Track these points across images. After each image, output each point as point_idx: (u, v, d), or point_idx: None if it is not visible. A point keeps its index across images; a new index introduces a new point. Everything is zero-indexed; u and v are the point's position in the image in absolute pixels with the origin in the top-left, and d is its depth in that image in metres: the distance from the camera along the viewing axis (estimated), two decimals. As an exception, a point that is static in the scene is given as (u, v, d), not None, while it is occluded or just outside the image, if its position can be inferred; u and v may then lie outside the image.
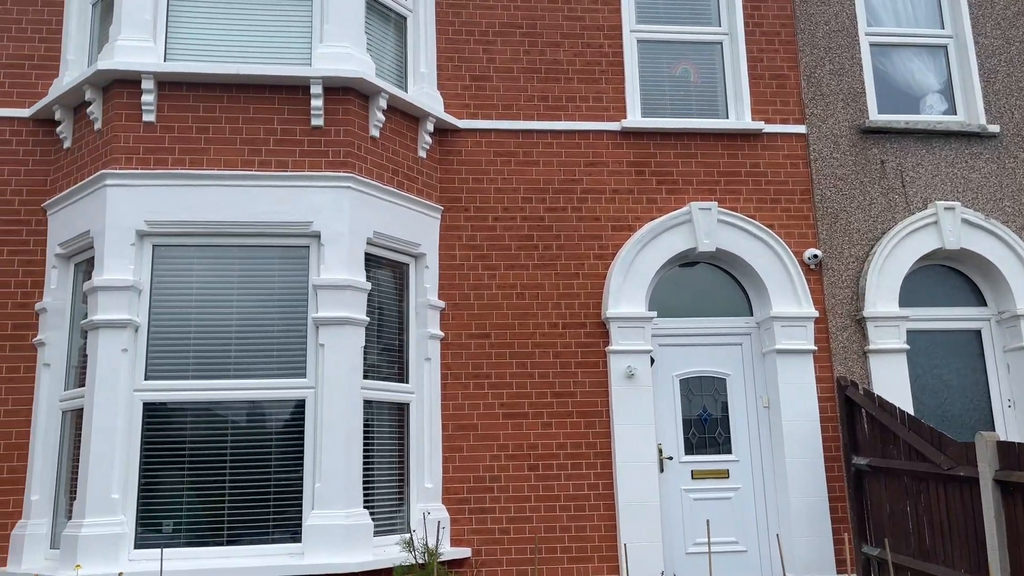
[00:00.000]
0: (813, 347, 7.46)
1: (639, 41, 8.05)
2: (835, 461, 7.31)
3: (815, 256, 7.67)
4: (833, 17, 8.25)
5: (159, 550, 5.76)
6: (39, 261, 6.82)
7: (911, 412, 7.40)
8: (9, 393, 6.61)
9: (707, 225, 7.55)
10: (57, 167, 6.90)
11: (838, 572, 7.03)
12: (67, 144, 6.84)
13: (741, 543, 7.29)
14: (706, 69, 8.15)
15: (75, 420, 6.46)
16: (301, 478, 6.22)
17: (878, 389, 7.39)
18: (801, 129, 7.96)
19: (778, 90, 8.03)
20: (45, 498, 6.44)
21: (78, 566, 5.64)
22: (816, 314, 7.53)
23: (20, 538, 6.32)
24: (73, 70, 7.00)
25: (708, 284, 7.79)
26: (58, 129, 6.88)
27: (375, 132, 6.87)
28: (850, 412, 7.16)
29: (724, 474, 7.43)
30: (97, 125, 6.58)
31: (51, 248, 6.79)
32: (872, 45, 8.34)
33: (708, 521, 5.02)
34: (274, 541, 6.13)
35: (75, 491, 6.17)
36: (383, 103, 6.84)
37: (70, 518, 6.11)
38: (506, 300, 7.33)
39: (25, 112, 6.99)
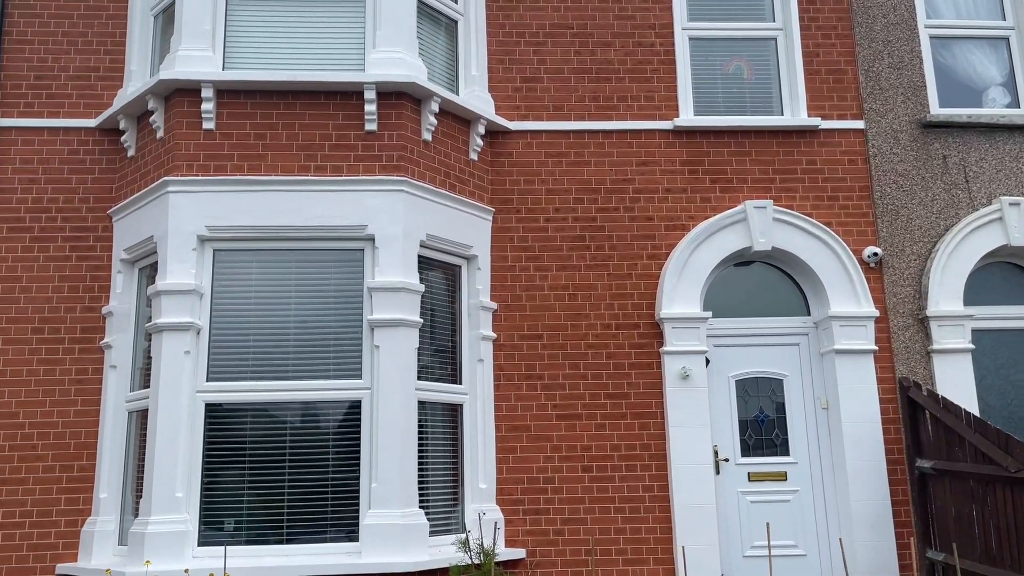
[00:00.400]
0: (874, 347, 7.30)
1: (691, 39, 7.98)
2: (898, 464, 7.14)
3: (875, 254, 7.50)
4: (891, 10, 8.07)
5: (222, 547, 5.90)
6: (105, 266, 7.04)
7: (976, 413, 7.18)
8: (78, 394, 6.83)
9: (762, 224, 7.44)
10: (122, 175, 7.12)
11: (901, 577, 6.87)
12: (131, 152, 7.05)
13: (800, 547, 7.17)
14: (760, 65, 8.03)
15: (140, 420, 6.65)
16: (357, 478, 6.31)
17: (942, 390, 7.20)
18: (859, 125, 7.80)
19: (835, 85, 7.88)
20: (113, 496, 6.64)
21: (148, 562, 5.81)
22: (876, 313, 7.37)
23: (90, 534, 6.53)
24: (136, 80, 7.21)
25: (764, 283, 7.68)
26: (122, 138, 7.09)
27: (427, 136, 6.93)
28: (913, 413, 6.98)
29: (782, 476, 7.31)
30: (159, 133, 6.77)
31: (116, 253, 7.00)
32: (932, 38, 8.14)
33: (768, 524, 4.95)
34: (332, 540, 6.22)
35: (141, 489, 6.35)
36: (435, 107, 6.90)
37: (136, 515, 6.30)
38: (558, 301, 7.33)
39: (92, 122, 7.22)
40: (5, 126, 7.18)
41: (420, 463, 6.50)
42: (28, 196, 7.10)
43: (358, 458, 6.33)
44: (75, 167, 7.19)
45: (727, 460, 7.29)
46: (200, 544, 6.11)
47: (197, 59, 6.68)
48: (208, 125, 6.63)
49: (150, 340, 6.57)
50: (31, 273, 6.98)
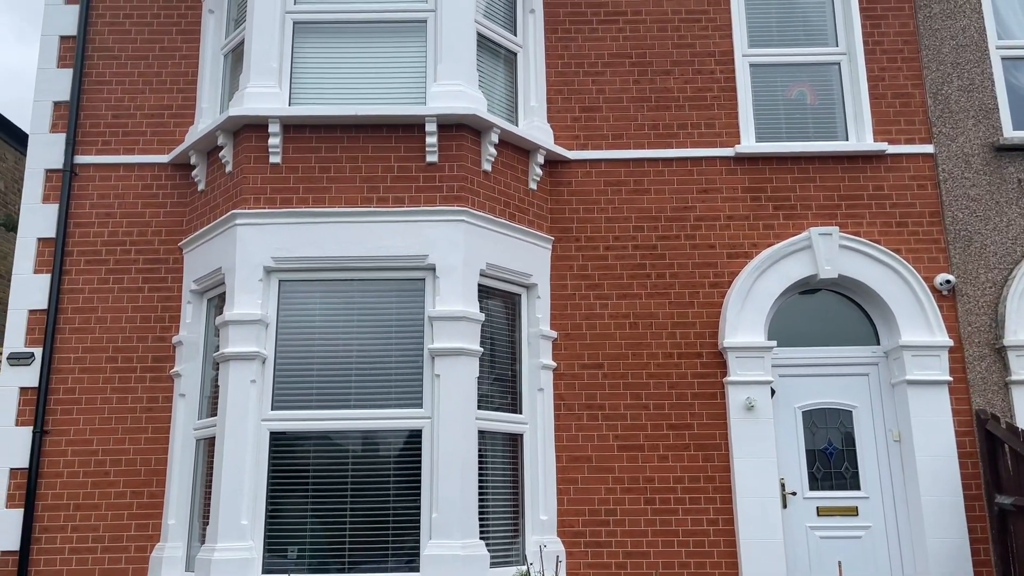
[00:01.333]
0: (948, 378, 7.04)
1: (752, 65, 7.91)
2: (976, 500, 6.84)
3: (948, 281, 7.26)
4: (960, 32, 7.88)
5: (286, 575, 5.95)
6: (176, 297, 7.25)
7: (1061, 448, 6.85)
8: (149, 422, 7.01)
9: (828, 251, 7.28)
10: (192, 208, 7.35)
11: (982, 620, 6.56)
12: (201, 187, 7.28)
13: (873, 585, 6.91)
14: (823, 90, 7.91)
15: (208, 448, 6.79)
16: (418, 507, 6.31)
17: (1022, 423, 6.89)
18: (928, 149, 7.60)
19: (902, 109, 7.71)
20: (181, 522, 6.77)
21: (211, 589, 5.89)
22: (950, 343, 7.12)
23: (159, 560, 6.66)
24: (207, 117, 7.46)
25: (830, 312, 7.49)
26: (193, 172, 7.33)
27: (487, 166, 6.99)
28: (991, 447, 6.70)
29: (853, 511, 7.07)
30: (228, 168, 6.97)
31: (186, 284, 7.20)
32: (1004, 59, 7.91)
33: (840, 563, 4.77)
34: (392, 569, 6.23)
35: (207, 516, 6.46)
36: (495, 138, 6.97)
37: (203, 542, 6.41)
38: (619, 330, 7.27)
39: (164, 158, 7.48)
40: (84, 163, 7.49)
41: (480, 493, 6.47)
42: (104, 230, 7.38)
43: (419, 487, 6.34)
44: (148, 201, 7.45)
45: (794, 494, 7.09)
46: (264, 571, 6.17)
47: (264, 95, 6.88)
48: (275, 159, 6.80)
49: (218, 369, 6.71)
50: (106, 304, 7.23)
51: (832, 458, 7.20)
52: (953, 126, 7.66)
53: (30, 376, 7.08)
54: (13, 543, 6.77)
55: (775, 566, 6.67)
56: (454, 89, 6.89)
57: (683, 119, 7.69)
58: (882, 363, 7.34)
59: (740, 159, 7.59)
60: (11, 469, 6.93)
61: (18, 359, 7.11)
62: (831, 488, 7.13)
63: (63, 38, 7.78)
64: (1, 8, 35.61)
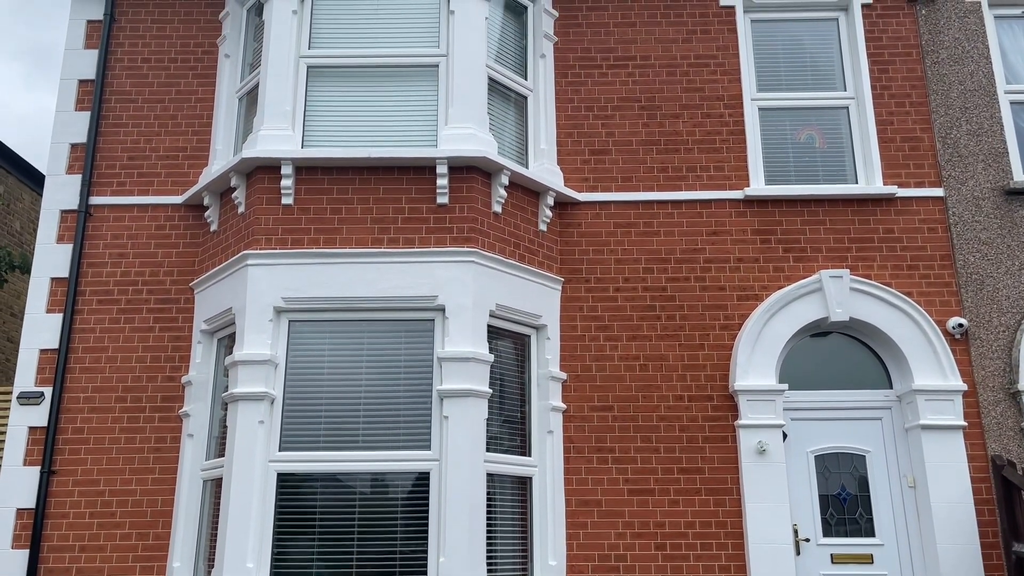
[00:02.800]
0: (963, 422, 6.96)
1: (760, 109, 7.97)
2: (993, 548, 6.71)
3: (960, 325, 7.21)
4: (968, 76, 7.93)
5: (290, 620, 5.87)
6: (186, 337, 7.27)
7: (1080, 495, 6.73)
8: (156, 462, 6.98)
9: (839, 294, 7.25)
10: (204, 248, 7.40)
11: (1003, 673, 6.38)
12: (214, 227, 7.34)
13: (889, 636, 6.75)
14: (832, 134, 7.96)
15: (215, 489, 6.75)
16: (425, 550, 6.24)
17: (1039, 469, 6.79)
18: (938, 192, 7.61)
19: (911, 153, 7.73)
20: (185, 565, 6.70)
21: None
22: (964, 387, 7.04)
23: (162, 603, 6.58)
24: (221, 159, 7.55)
25: (842, 355, 7.44)
26: (206, 214, 7.39)
27: (497, 208, 7.03)
28: (1008, 495, 6.59)
29: (868, 559, 6.94)
30: (241, 209, 7.04)
31: (197, 324, 7.23)
32: (1013, 103, 7.95)
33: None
34: (399, 615, 6.14)
35: (213, 558, 6.40)
36: (505, 180, 7.02)
37: (208, 585, 6.34)
38: (629, 372, 7.23)
39: (178, 199, 7.56)
40: (98, 203, 7.58)
41: (488, 537, 6.39)
42: (117, 270, 7.43)
43: (426, 530, 6.27)
44: (161, 241, 7.51)
45: (807, 540, 6.97)
46: (269, 616, 6.09)
47: (278, 138, 6.97)
48: (287, 200, 6.87)
49: (226, 409, 6.70)
50: (117, 343, 7.25)
51: (846, 504, 7.09)
52: (963, 170, 7.67)
53: (39, 416, 7.09)
54: (17, 585, 6.71)
55: (789, 615, 6.54)
56: (465, 132, 6.96)
57: (692, 162, 7.74)
58: (895, 407, 7.26)
59: (750, 201, 7.61)
60: (18, 509, 6.89)
61: (28, 399, 7.12)
62: (845, 535, 7.01)
63: (81, 82, 7.93)
64: (10, 55, 36.45)
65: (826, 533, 7.01)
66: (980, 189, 7.63)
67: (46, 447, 6.96)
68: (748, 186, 7.64)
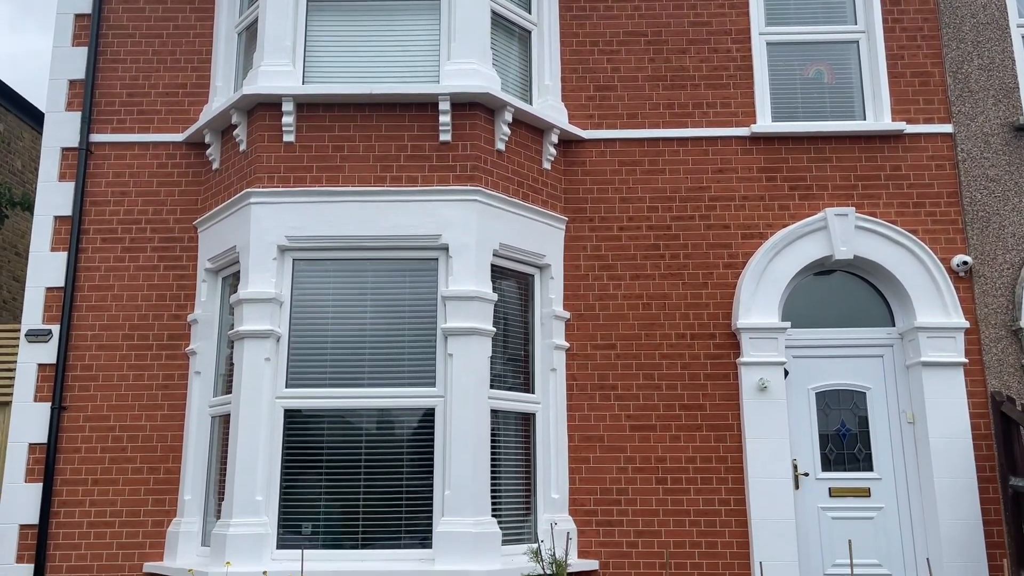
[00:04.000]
0: (964, 360, 7.00)
1: (768, 44, 7.83)
2: (990, 482, 6.82)
3: (965, 263, 7.20)
4: (981, 10, 7.76)
5: (299, 550, 6.02)
6: (191, 276, 7.29)
7: (1077, 431, 6.81)
8: (165, 399, 7.08)
9: (844, 232, 7.23)
10: (207, 187, 7.37)
11: (994, 602, 6.56)
12: (215, 165, 7.30)
13: (885, 566, 6.91)
14: (841, 69, 7.82)
15: (223, 425, 6.85)
16: (431, 485, 6.36)
17: (1038, 405, 6.86)
18: (947, 128, 7.51)
19: (921, 88, 7.61)
20: (196, 498, 6.85)
21: (228, 563, 5.97)
22: (966, 324, 7.07)
23: (175, 535, 6.75)
24: (221, 96, 7.46)
25: (845, 293, 7.45)
26: (207, 151, 7.34)
27: (501, 145, 6.97)
28: (1006, 429, 6.66)
29: (865, 492, 7.06)
30: (242, 147, 6.98)
31: (201, 263, 7.24)
32: (1026, 37, 7.80)
33: (850, 541, 4.79)
34: (405, 546, 6.29)
35: (223, 492, 6.54)
36: (508, 117, 6.94)
37: (219, 517, 6.49)
38: (632, 311, 7.26)
39: (179, 137, 7.50)
40: (99, 141, 7.52)
41: (493, 472, 6.51)
42: (120, 208, 7.42)
43: (431, 465, 6.39)
44: (163, 180, 7.47)
45: (807, 475, 7.09)
46: (279, 547, 6.25)
47: (278, 74, 6.87)
48: (288, 138, 6.81)
49: (232, 347, 6.76)
50: (122, 282, 7.29)
51: (845, 440, 7.19)
52: (973, 105, 7.56)
53: (48, 353, 7.16)
54: (32, 517, 6.87)
55: (786, 546, 6.69)
56: (468, 68, 6.86)
57: (699, 98, 7.63)
58: (897, 345, 7.30)
59: (756, 139, 7.53)
60: (30, 444, 7.02)
61: (36, 336, 7.19)
62: (844, 469, 7.12)
63: (78, 16, 7.79)
64: (-6, 0, 35.76)
65: (825, 468, 7.12)
66: (990, 125, 7.53)
67: (56, 384, 7.05)
68: (755, 123, 7.55)
